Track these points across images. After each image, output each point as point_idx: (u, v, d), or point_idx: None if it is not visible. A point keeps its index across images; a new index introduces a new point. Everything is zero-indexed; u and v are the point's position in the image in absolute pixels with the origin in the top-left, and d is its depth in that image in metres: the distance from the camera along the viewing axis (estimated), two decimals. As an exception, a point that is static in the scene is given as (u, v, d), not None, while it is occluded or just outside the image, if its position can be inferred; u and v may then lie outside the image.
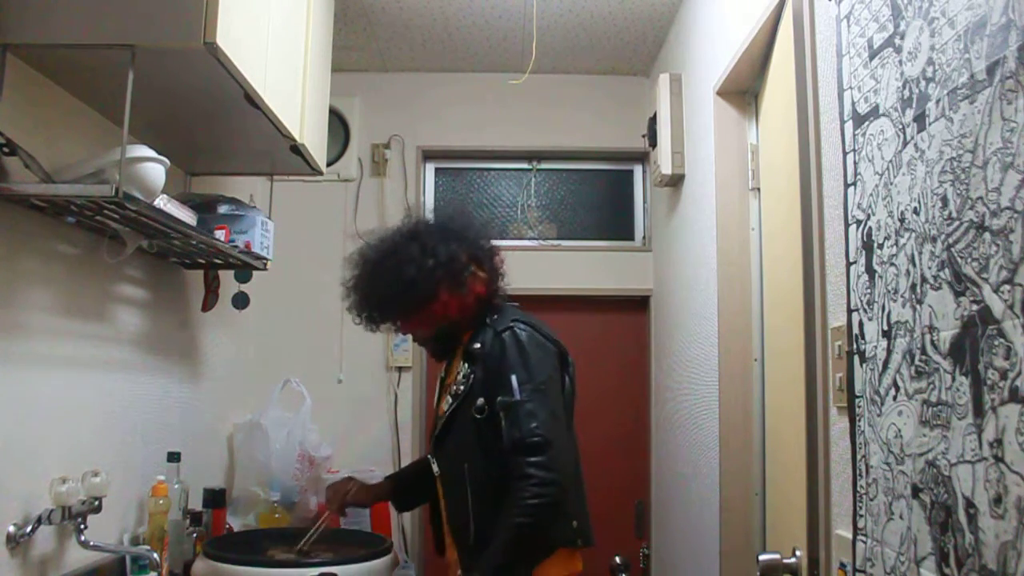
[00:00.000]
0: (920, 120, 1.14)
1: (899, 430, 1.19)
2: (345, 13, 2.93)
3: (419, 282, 1.83)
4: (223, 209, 2.10)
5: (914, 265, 1.15)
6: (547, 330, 1.87)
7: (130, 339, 2.07)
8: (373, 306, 1.93)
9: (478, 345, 1.82)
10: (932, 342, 1.09)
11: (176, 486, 2.08)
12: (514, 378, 1.73)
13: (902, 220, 1.19)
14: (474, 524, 1.77)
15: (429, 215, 2.04)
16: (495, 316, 1.87)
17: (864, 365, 1.31)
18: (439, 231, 1.92)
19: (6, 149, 1.46)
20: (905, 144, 1.18)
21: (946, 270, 1.06)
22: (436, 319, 1.89)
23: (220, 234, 2.01)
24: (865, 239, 1.32)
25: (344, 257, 2.00)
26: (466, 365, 1.84)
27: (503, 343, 1.78)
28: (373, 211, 3.44)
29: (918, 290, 1.14)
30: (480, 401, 1.77)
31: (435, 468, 1.93)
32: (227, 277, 2.52)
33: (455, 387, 1.86)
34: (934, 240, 1.09)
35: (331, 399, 3.20)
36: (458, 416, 1.83)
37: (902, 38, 1.19)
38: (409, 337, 3.45)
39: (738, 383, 2.22)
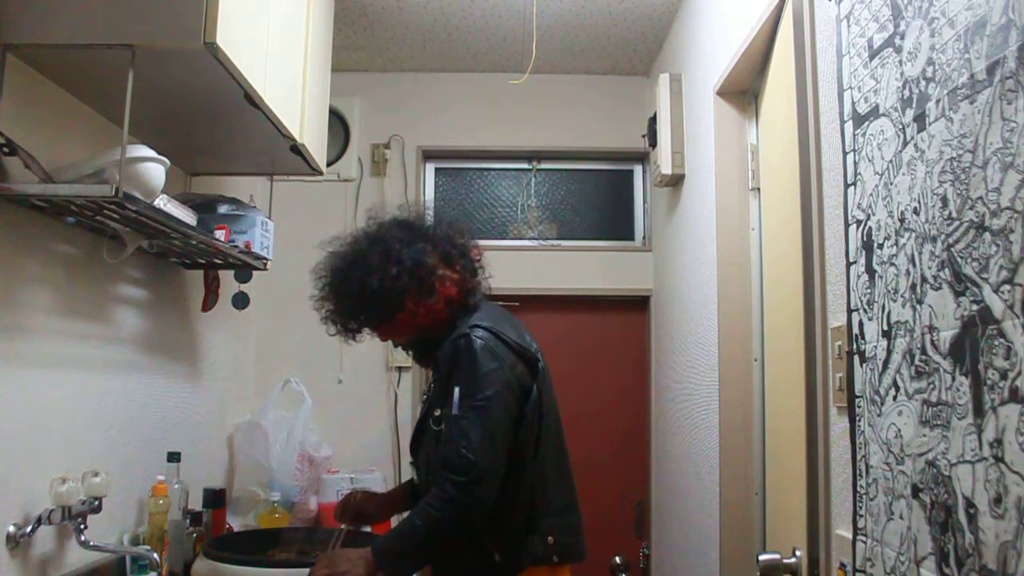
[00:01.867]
0: (920, 120, 1.14)
1: (899, 430, 1.19)
2: (345, 13, 2.93)
3: (384, 292, 1.73)
4: (223, 209, 2.10)
5: (914, 265, 1.15)
6: (514, 335, 1.74)
7: (130, 339, 2.07)
8: (344, 317, 1.84)
9: (441, 353, 1.74)
10: (932, 342, 1.09)
11: (176, 486, 2.08)
12: (457, 390, 1.64)
13: (902, 220, 1.19)
14: None
15: (393, 215, 1.93)
16: (464, 319, 1.77)
17: (864, 365, 1.31)
18: (403, 233, 1.82)
19: (6, 149, 1.46)
20: (905, 144, 1.18)
21: (946, 270, 1.06)
22: (407, 327, 1.80)
23: (220, 234, 2.01)
24: (865, 239, 1.32)
25: (310, 268, 1.91)
26: (434, 373, 1.80)
27: (455, 350, 1.68)
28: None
29: (918, 290, 1.14)
30: (437, 412, 1.71)
31: (414, 477, 1.91)
32: (227, 277, 2.52)
33: (425, 396, 1.85)
34: (934, 240, 1.09)
35: (331, 399, 3.20)
36: (425, 426, 1.79)
37: (902, 38, 1.19)
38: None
39: (738, 383, 2.22)
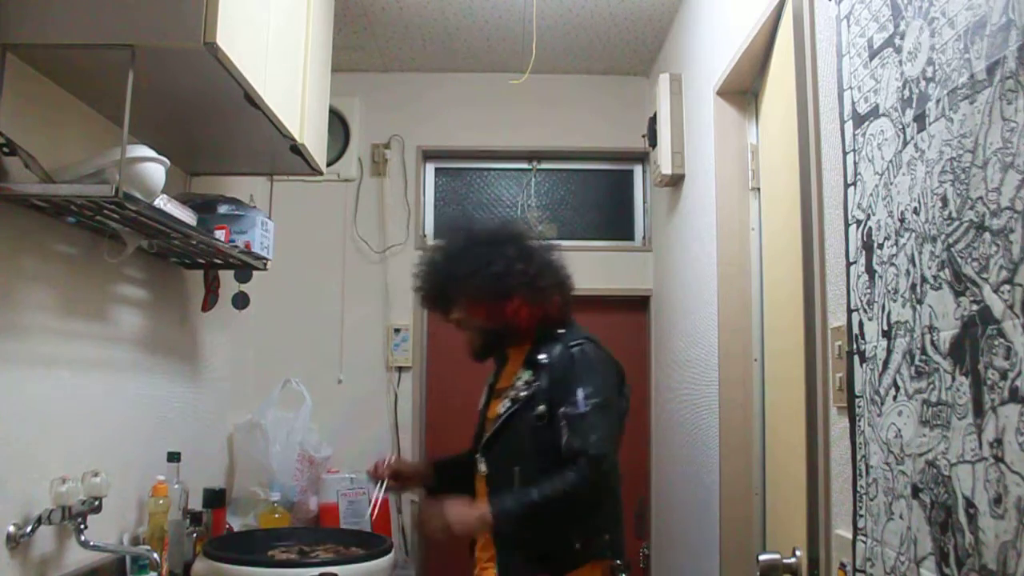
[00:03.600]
0: (920, 120, 1.14)
1: (899, 430, 1.19)
2: (345, 13, 2.93)
3: (502, 277, 1.91)
4: (223, 209, 2.10)
5: (914, 265, 1.15)
6: (610, 352, 1.94)
7: (130, 339, 2.07)
8: (451, 280, 1.98)
9: (543, 356, 1.90)
10: (932, 342, 1.09)
11: (176, 486, 2.08)
12: (580, 391, 1.80)
13: (902, 220, 1.19)
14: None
15: (532, 232, 2.17)
16: (562, 331, 1.95)
17: (864, 365, 1.31)
18: (539, 249, 2.03)
19: (6, 149, 1.46)
20: (905, 144, 1.18)
21: (946, 270, 1.06)
22: (496, 318, 1.95)
23: (220, 234, 2.01)
24: (865, 239, 1.32)
25: (442, 225, 2.08)
26: (529, 373, 1.92)
27: (572, 357, 1.86)
28: (373, 211, 3.44)
29: (918, 290, 1.14)
30: (541, 408, 1.85)
31: (482, 468, 1.97)
32: (227, 277, 2.52)
33: (514, 392, 1.92)
34: (934, 240, 1.09)
35: (331, 399, 3.20)
36: (515, 420, 1.90)
37: (902, 38, 1.19)
38: (409, 337, 3.51)
39: (738, 383, 2.22)
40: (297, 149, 2.13)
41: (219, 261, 2.23)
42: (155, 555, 1.83)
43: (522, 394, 1.90)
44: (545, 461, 1.80)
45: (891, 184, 1.23)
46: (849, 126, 1.39)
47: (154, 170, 1.63)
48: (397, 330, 3.38)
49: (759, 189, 2.21)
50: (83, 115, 1.79)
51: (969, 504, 0.99)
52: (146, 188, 1.61)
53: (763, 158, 2.18)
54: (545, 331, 1.96)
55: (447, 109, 3.50)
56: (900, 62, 1.20)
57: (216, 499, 2.31)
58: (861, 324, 1.33)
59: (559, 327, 1.96)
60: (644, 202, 3.56)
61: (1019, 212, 0.90)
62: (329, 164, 2.92)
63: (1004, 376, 0.92)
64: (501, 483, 1.88)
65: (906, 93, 1.18)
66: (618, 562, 1.86)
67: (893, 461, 1.21)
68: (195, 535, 2.10)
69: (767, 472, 2.10)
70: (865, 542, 1.31)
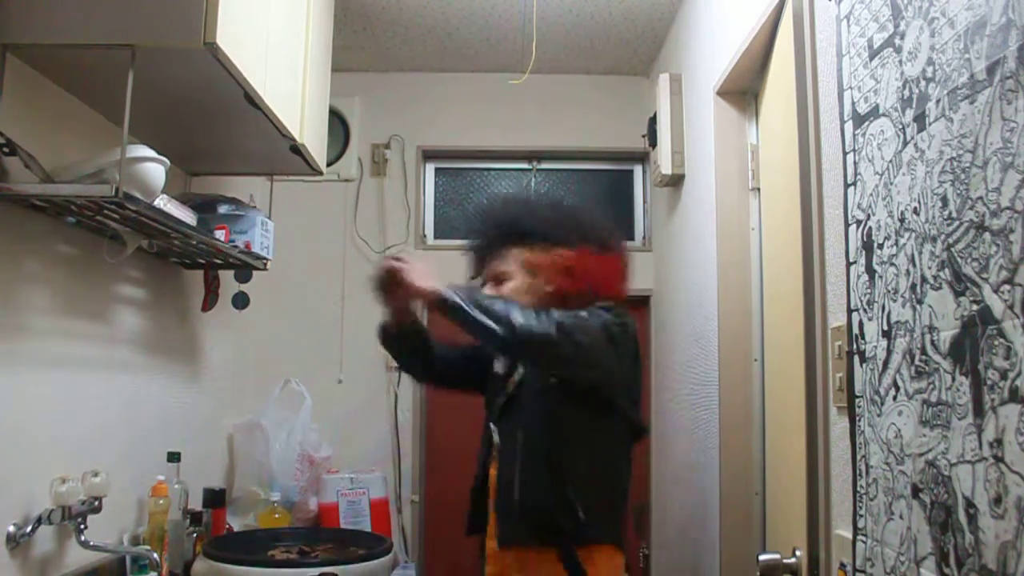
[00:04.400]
0: (920, 120, 1.14)
1: (899, 430, 1.19)
2: (345, 13, 2.93)
3: (576, 227, 1.86)
4: (223, 209, 2.10)
5: (914, 265, 1.15)
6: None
7: (130, 339, 2.07)
8: (524, 221, 1.90)
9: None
10: (932, 342, 1.09)
11: (176, 486, 2.08)
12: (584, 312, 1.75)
13: (902, 220, 1.19)
14: (519, 493, 1.75)
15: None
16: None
17: (864, 365, 1.31)
18: (622, 251, 1.99)
19: (6, 149, 1.46)
20: (905, 144, 1.18)
21: (946, 270, 1.06)
22: (542, 267, 1.84)
23: (220, 234, 2.01)
24: (865, 239, 1.32)
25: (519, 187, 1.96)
26: None
27: (592, 314, 1.77)
28: (373, 211, 3.44)
29: (918, 290, 1.14)
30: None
31: (496, 438, 1.87)
32: (227, 277, 2.52)
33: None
34: (934, 240, 1.09)
35: (331, 399, 3.20)
36: (528, 384, 1.84)
37: (902, 38, 1.19)
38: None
39: (738, 383, 2.22)
40: (297, 149, 2.13)
41: (219, 261, 2.23)
42: (155, 555, 1.83)
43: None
44: (553, 426, 1.75)
45: (891, 184, 1.23)
46: (849, 126, 1.39)
47: (154, 170, 1.63)
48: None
49: (759, 189, 2.21)
50: (83, 115, 1.79)
51: (969, 504, 0.99)
52: (146, 188, 1.61)
53: (763, 158, 2.18)
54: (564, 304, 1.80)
55: (447, 109, 3.50)
56: (900, 62, 1.20)
57: (216, 499, 2.31)
58: (861, 324, 1.33)
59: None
60: (644, 202, 3.56)
61: (1019, 212, 0.90)
62: (329, 164, 2.93)
63: (1004, 376, 0.92)
64: (508, 451, 1.79)
65: (906, 93, 1.18)
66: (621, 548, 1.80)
67: (893, 461, 1.21)
68: (195, 535, 2.10)
69: (767, 472, 2.10)
70: (865, 542, 1.31)
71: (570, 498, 1.72)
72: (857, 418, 1.34)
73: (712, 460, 2.30)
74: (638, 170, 3.59)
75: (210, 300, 2.45)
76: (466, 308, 1.66)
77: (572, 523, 1.70)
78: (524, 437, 1.78)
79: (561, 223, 1.89)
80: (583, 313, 1.74)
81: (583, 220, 1.93)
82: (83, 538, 1.68)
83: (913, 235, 1.15)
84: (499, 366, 1.97)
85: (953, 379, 1.04)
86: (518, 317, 1.64)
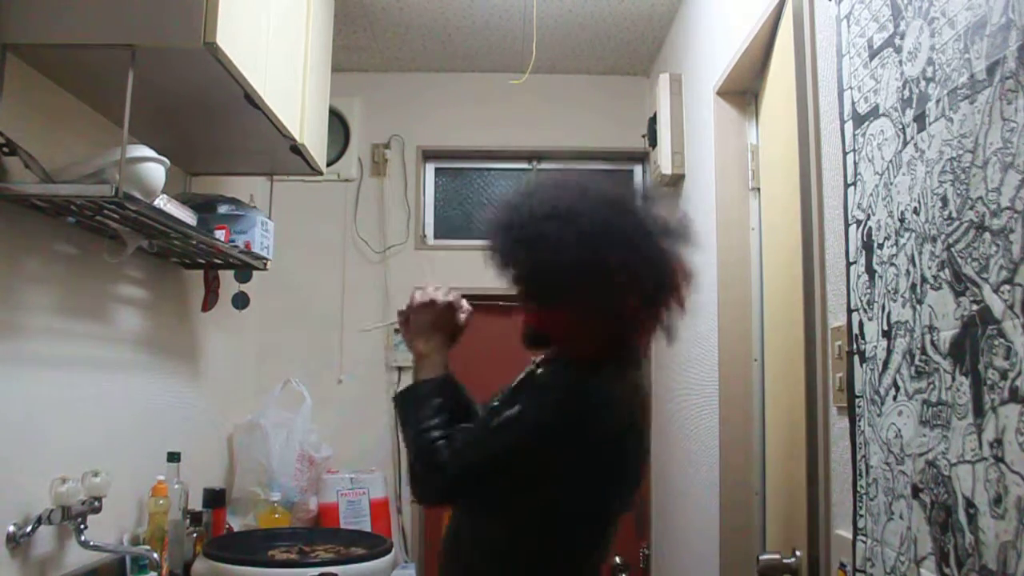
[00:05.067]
0: (920, 120, 1.14)
1: (899, 430, 1.19)
2: (345, 13, 2.93)
3: (596, 291, 1.34)
4: (223, 209, 2.10)
5: (914, 265, 1.15)
6: (621, 414, 1.39)
7: (130, 339, 2.07)
8: (522, 257, 1.41)
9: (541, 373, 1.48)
10: (932, 342, 1.09)
11: (176, 486, 2.08)
12: (517, 409, 1.36)
13: (902, 220, 1.19)
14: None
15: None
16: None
17: (864, 365, 1.31)
18: (666, 261, 1.41)
19: (6, 149, 1.46)
20: (905, 144, 1.18)
21: (946, 270, 1.06)
22: (554, 327, 1.42)
23: (220, 234, 2.01)
24: (865, 239, 1.32)
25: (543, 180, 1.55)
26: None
27: (553, 374, 1.43)
28: (373, 211, 3.44)
29: (918, 290, 1.14)
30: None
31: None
32: (227, 277, 2.52)
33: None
34: (934, 240, 1.09)
35: (331, 399, 3.20)
36: None
37: (902, 38, 1.19)
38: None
39: (738, 383, 2.22)
40: (297, 149, 2.13)
41: (219, 261, 2.23)
42: (155, 555, 1.83)
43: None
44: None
45: (891, 184, 1.23)
46: (849, 126, 1.38)
47: (154, 170, 1.63)
48: (397, 330, 3.37)
49: (759, 189, 2.21)
50: (83, 115, 1.79)
51: (969, 504, 0.99)
52: (146, 188, 1.61)
53: (763, 158, 2.18)
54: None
55: (447, 109, 3.50)
56: (900, 62, 1.20)
57: (216, 499, 2.31)
58: (861, 324, 1.33)
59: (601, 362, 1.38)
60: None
61: (1019, 212, 0.90)
62: (329, 164, 2.93)
63: (1004, 376, 0.92)
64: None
65: (906, 93, 1.18)
66: None
67: (893, 461, 1.21)
68: (195, 535, 2.10)
69: (767, 472, 2.10)
70: (865, 542, 1.30)
71: None
72: (857, 418, 1.34)
73: (712, 460, 2.30)
74: (638, 170, 3.59)
75: (210, 300, 2.45)
76: (396, 405, 1.49)
77: None
78: (455, 523, 1.51)
79: (561, 266, 1.35)
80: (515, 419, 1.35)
81: (605, 257, 1.34)
82: (83, 538, 1.68)
83: (913, 235, 1.15)
84: None
85: (953, 379, 1.04)
86: (418, 448, 1.39)
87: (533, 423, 1.34)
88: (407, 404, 1.47)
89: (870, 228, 1.30)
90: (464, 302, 1.57)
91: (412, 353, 1.54)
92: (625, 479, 1.43)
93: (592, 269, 1.33)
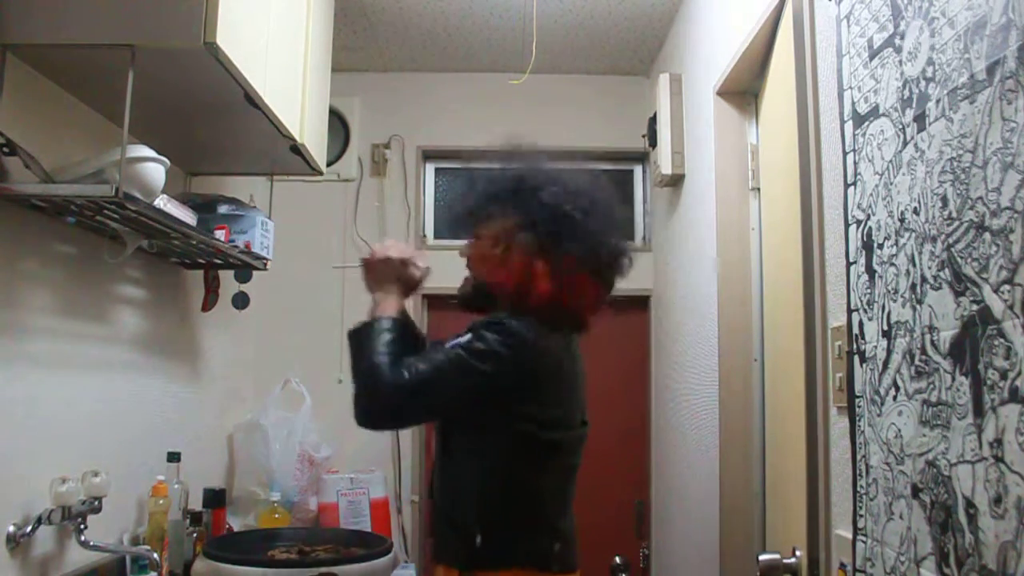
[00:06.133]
0: (920, 120, 1.14)
1: (899, 430, 1.19)
2: (345, 13, 2.93)
3: (541, 222, 1.51)
4: (223, 209, 2.10)
5: (914, 265, 1.15)
6: (562, 356, 1.57)
7: (130, 339, 2.07)
8: (486, 194, 1.63)
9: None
10: (932, 342, 1.09)
11: (176, 486, 2.08)
12: (467, 336, 1.48)
13: (902, 220, 1.19)
14: (434, 513, 1.65)
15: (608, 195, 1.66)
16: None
17: (864, 365, 1.31)
18: (609, 207, 1.60)
19: (6, 149, 1.46)
20: (905, 144, 1.18)
21: (946, 270, 1.06)
22: (504, 272, 1.57)
23: (220, 234, 2.01)
24: (865, 239, 1.32)
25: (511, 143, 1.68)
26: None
27: (490, 323, 1.50)
28: (373, 211, 3.44)
29: (918, 290, 1.14)
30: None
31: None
32: (227, 277, 2.52)
33: None
34: (934, 240, 1.09)
35: (331, 399, 3.18)
36: None
37: (902, 38, 1.19)
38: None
39: (738, 383, 2.22)
40: (297, 149, 2.13)
41: (219, 261, 2.23)
42: (155, 555, 1.83)
43: None
44: (445, 451, 1.59)
45: (891, 184, 1.23)
46: (849, 126, 1.39)
47: (154, 170, 1.63)
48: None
49: (759, 189, 2.21)
50: (83, 115, 1.79)
51: (969, 504, 0.99)
52: (146, 188, 1.61)
53: (763, 158, 2.18)
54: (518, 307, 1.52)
55: (447, 109, 3.50)
56: (900, 62, 1.20)
57: (216, 499, 2.31)
58: (861, 324, 1.33)
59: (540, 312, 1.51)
60: (644, 202, 3.56)
61: (1019, 212, 0.90)
62: (329, 164, 2.93)
63: (1004, 376, 0.92)
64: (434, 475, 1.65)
65: (906, 93, 1.18)
66: (556, 571, 1.54)
67: (893, 461, 1.21)
68: (195, 535, 2.10)
69: (767, 472, 2.10)
70: (865, 542, 1.30)
71: (465, 522, 1.54)
72: (857, 418, 1.34)
73: (712, 460, 2.30)
74: (638, 170, 3.59)
75: (210, 300, 2.45)
76: (350, 339, 1.55)
77: (466, 548, 1.53)
78: (436, 458, 1.64)
79: (503, 201, 1.57)
80: (440, 354, 1.48)
81: (563, 197, 1.53)
82: (83, 538, 1.68)
83: (913, 235, 1.15)
84: None
85: (953, 379, 1.04)
86: (368, 371, 1.48)
87: (475, 343, 1.47)
88: (360, 337, 1.54)
89: (870, 228, 1.30)
90: (420, 260, 1.70)
91: (372, 297, 1.65)
92: (561, 403, 1.57)
93: (573, 224, 1.51)
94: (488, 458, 1.53)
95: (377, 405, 1.49)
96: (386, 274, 1.67)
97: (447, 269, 1.83)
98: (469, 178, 1.65)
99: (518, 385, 1.49)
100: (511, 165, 1.64)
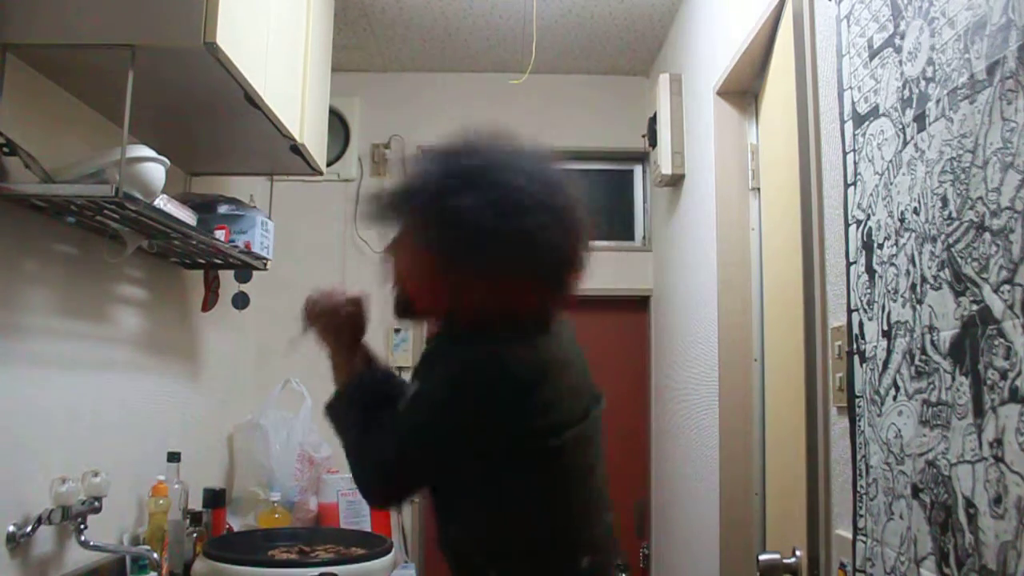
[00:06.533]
0: (920, 120, 1.14)
1: (899, 430, 1.19)
2: (345, 13, 2.93)
3: (448, 232, 1.28)
4: (223, 209, 2.10)
5: (914, 265, 1.15)
6: (536, 372, 1.30)
7: (130, 339, 2.07)
8: (403, 200, 1.39)
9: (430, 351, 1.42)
10: (932, 342, 1.09)
11: (176, 486, 2.08)
12: (424, 386, 1.33)
13: (902, 220, 1.19)
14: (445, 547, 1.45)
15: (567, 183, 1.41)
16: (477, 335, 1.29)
17: (864, 365, 1.31)
18: (566, 208, 1.33)
19: (6, 149, 1.46)
20: (905, 144, 1.18)
21: (946, 270, 1.06)
22: (430, 289, 1.36)
23: (220, 234, 2.01)
24: (865, 239, 1.32)
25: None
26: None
27: (451, 359, 1.31)
28: (373, 211, 3.44)
29: (918, 290, 1.14)
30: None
31: None
32: (227, 277, 2.52)
33: None
34: (934, 240, 1.09)
35: (331, 399, 3.20)
36: None
37: (902, 38, 1.19)
38: (409, 337, 3.51)
39: (738, 383, 2.22)
40: (297, 149, 2.13)
41: (219, 261, 2.23)
42: (155, 555, 1.83)
43: None
44: (441, 494, 1.39)
45: (891, 184, 1.23)
46: (849, 126, 1.38)
47: (154, 170, 1.63)
48: (397, 330, 3.37)
49: (759, 189, 2.21)
50: (83, 115, 1.79)
51: (969, 504, 0.99)
52: (146, 188, 1.61)
53: (763, 158, 2.18)
54: (459, 324, 1.34)
55: (447, 109, 3.50)
56: (900, 62, 1.20)
57: (216, 499, 2.31)
58: (861, 324, 1.33)
59: (482, 329, 1.28)
60: (644, 202, 3.56)
61: (1019, 212, 0.90)
62: (329, 164, 2.93)
63: (1004, 376, 0.92)
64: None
65: (906, 93, 1.18)
66: None
67: (893, 461, 1.21)
68: (195, 535, 2.10)
69: (767, 472, 2.10)
70: (865, 542, 1.30)
71: (476, 565, 1.38)
72: (857, 418, 1.34)
73: (712, 460, 2.30)
74: (638, 170, 3.59)
75: (210, 300, 2.45)
76: (327, 417, 1.45)
77: None
78: (434, 508, 1.44)
79: (443, 210, 1.29)
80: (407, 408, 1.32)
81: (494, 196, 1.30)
82: (83, 538, 1.68)
83: (913, 235, 1.15)
84: None
85: (953, 379, 1.04)
86: (355, 460, 1.37)
87: (438, 389, 1.29)
88: (333, 418, 1.47)
89: (870, 228, 1.30)
90: (351, 301, 1.51)
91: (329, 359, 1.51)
92: (554, 404, 1.34)
93: (489, 229, 1.27)
94: (490, 490, 1.33)
95: (374, 491, 1.39)
96: (329, 327, 1.52)
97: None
98: (393, 184, 1.44)
99: (499, 411, 1.27)
100: (433, 164, 1.44)
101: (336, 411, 1.46)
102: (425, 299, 1.38)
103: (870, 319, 1.29)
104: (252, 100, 1.75)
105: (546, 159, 1.45)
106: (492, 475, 1.32)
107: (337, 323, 1.51)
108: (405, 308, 1.44)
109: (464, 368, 1.27)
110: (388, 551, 2.03)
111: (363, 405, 1.42)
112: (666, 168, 2.78)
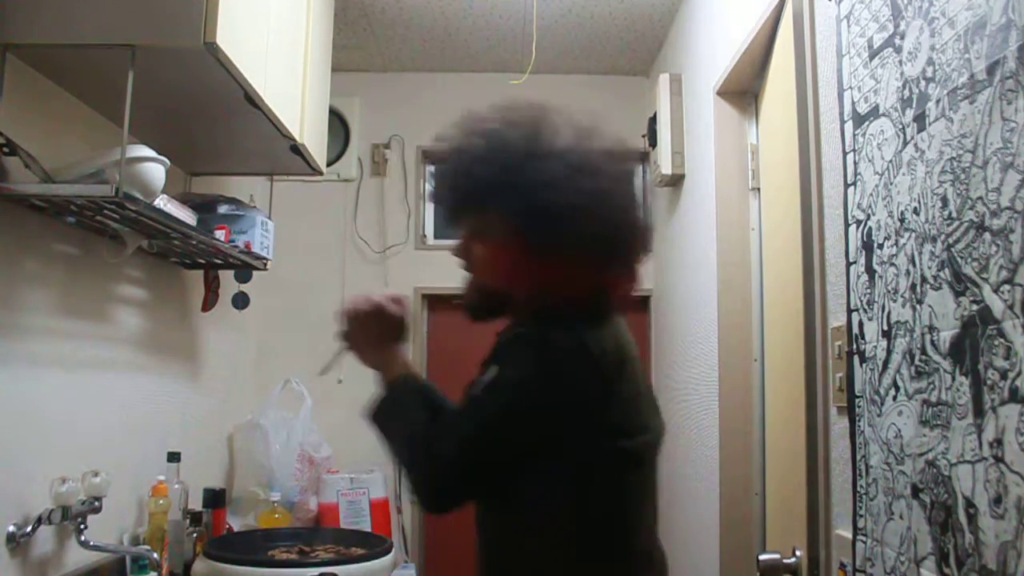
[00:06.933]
0: (920, 120, 1.14)
1: (899, 430, 1.19)
2: (345, 13, 2.93)
3: (566, 215, 1.22)
4: (223, 209, 2.10)
5: (914, 265, 1.15)
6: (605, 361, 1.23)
7: (130, 339, 2.07)
8: (476, 185, 1.33)
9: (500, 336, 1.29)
10: (932, 342, 1.09)
11: (176, 486, 2.08)
12: (491, 373, 1.21)
13: (902, 220, 1.19)
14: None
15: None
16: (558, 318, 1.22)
17: (864, 365, 1.31)
18: (635, 201, 1.35)
19: (6, 149, 1.46)
20: (905, 144, 1.18)
21: (946, 270, 1.06)
22: (502, 267, 1.28)
23: (220, 234, 2.01)
24: (865, 239, 1.32)
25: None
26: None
27: (517, 339, 1.24)
28: (373, 211, 3.44)
29: (918, 290, 1.14)
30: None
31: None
32: (227, 277, 2.52)
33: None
34: (934, 240, 1.09)
35: (331, 399, 3.19)
36: None
37: (902, 38, 1.19)
38: (409, 337, 3.49)
39: (738, 383, 2.22)
40: (297, 149, 2.13)
41: (219, 261, 2.23)
42: (155, 555, 1.83)
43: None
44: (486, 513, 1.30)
45: (891, 184, 1.23)
46: (849, 126, 1.39)
47: (154, 170, 1.63)
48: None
49: (759, 189, 2.21)
50: (83, 115, 1.79)
51: (969, 504, 0.99)
52: (146, 188, 1.61)
53: (763, 158, 2.18)
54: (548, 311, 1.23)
55: (447, 109, 3.45)
56: (900, 62, 1.20)
57: (216, 499, 2.31)
58: (861, 324, 1.33)
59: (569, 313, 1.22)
60: (644, 202, 3.56)
61: (1019, 212, 0.90)
62: (329, 164, 2.92)
63: (1004, 376, 0.92)
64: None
65: (906, 93, 1.18)
66: None
67: (893, 461, 1.21)
68: (195, 535, 2.10)
69: (767, 472, 2.10)
70: (865, 542, 1.30)
71: None
72: (857, 418, 1.34)
73: (712, 460, 2.30)
74: (638, 170, 3.59)
75: (210, 300, 2.45)
76: (373, 423, 1.33)
77: None
78: (482, 527, 1.34)
79: (525, 187, 1.25)
80: (478, 393, 1.21)
81: (575, 179, 1.28)
82: (83, 538, 1.68)
83: (913, 235, 1.15)
84: None
85: (953, 379, 1.04)
86: (407, 452, 1.27)
87: (514, 380, 1.19)
88: (383, 418, 1.34)
89: (870, 228, 1.30)
90: (390, 298, 1.44)
91: (369, 367, 1.42)
92: (634, 402, 1.29)
93: (576, 204, 1.24)
94: (557, 500, 1.21)
95: (439, 490, 1.24)
96: (368, 337, 1.44)
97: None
98: (450, 163, 1.40)
99: (580, 401, 1.20)
100: (493, 140, 1.36)
101: (386, 412, 1.34)
102: (507, 282, 1.29)
103: (870, 319, 1.29)
104: (252, 100, 1.75)
105: (605, 140, 1.44)
106: (564, 479, 1.21)
107: (376, 324, 1.43)
108: (481, 304, 1.34)
109: (551, 351, 1.19)
110: (388, 551, 2.03)
111: (418, 402, 1.33)
112: (666, 168, 2.78)
